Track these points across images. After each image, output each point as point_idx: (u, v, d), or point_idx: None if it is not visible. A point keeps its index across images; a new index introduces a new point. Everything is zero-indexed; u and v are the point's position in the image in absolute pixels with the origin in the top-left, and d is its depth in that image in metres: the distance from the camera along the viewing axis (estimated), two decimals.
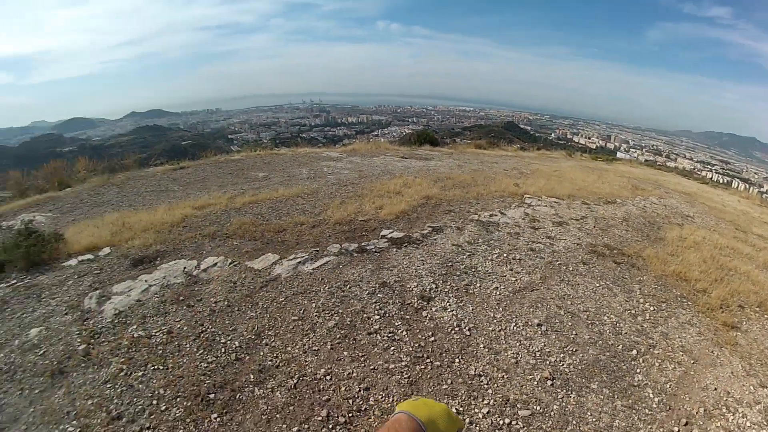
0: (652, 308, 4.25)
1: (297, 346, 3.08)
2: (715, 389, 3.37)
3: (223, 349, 3.03)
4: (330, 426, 2.53)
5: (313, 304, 3.53)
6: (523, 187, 7.76)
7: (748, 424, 3.10)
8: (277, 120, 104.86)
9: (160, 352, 2.99)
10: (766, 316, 4.80)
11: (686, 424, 2.98)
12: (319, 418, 2.56)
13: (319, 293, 3.68)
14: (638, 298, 4.39)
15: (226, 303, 3.51)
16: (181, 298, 3.56)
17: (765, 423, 3.14)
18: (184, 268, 3.95)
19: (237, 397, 2.68)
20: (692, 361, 3.62)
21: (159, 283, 3.74)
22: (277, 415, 2.57)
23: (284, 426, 2.50)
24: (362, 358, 3.03)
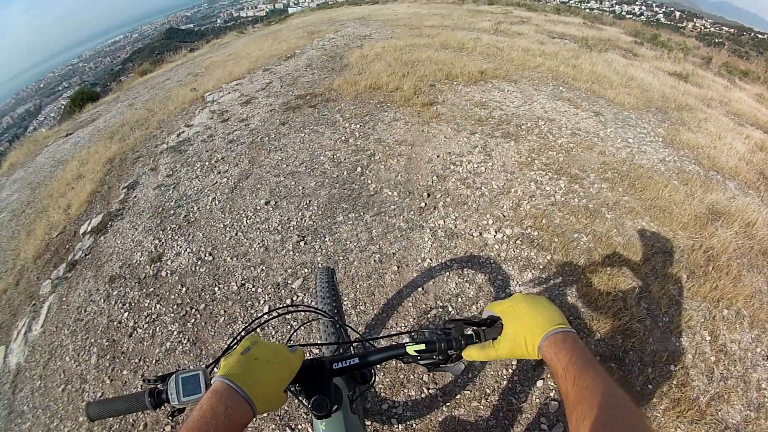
0: (358, 126, 5.10)
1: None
2: (438, 156, 4.39)
3: None
4: None
5: (67, 358, 3.14)
6: (201, 88, 7.89)
7: (475, 165, 4.21)
8: None
9: None
10: (454, 82, 6.26)
11: (428, 195, 3.86)
12: None
13: (63, 344, 3.27)
14: (343, 125, 5.17)
15: None
16: None
17: (486, 157, 4.26)
18: None
19: None
20: (410, 147, 4.56)
21: None
22: None
23: None
24: (141, 363, 2.91)
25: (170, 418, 0.96)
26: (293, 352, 0.90)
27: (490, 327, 0.93)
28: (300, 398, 1.00)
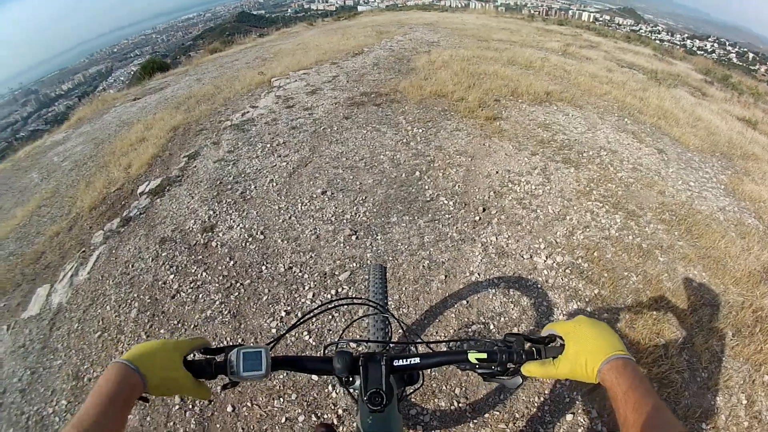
0: (420, 131, 5.12)
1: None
2: (497, 172, 4.36)
3: None
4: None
5: (108, 307, 3.26)
6: (269, 72, 8.05)
7: (533, 187, 4.16)
8: None
9: None
10: (519, 100, 6.20)
11: (484, 210, 3.84)
12: None
13: (106, 293, 3.40)
14: (405, 128, 5.21)
15: None
16: None
17: (545, 180, 4.22)
18: None
19: None
20: (470, 159, 4.55)
21: None
22: None
23: None
24: (179, 325, 3.00)
25: (221, 390, 0.99)
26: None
27: (549, 345, 0.94)
28: (350, 389, 1.03)
